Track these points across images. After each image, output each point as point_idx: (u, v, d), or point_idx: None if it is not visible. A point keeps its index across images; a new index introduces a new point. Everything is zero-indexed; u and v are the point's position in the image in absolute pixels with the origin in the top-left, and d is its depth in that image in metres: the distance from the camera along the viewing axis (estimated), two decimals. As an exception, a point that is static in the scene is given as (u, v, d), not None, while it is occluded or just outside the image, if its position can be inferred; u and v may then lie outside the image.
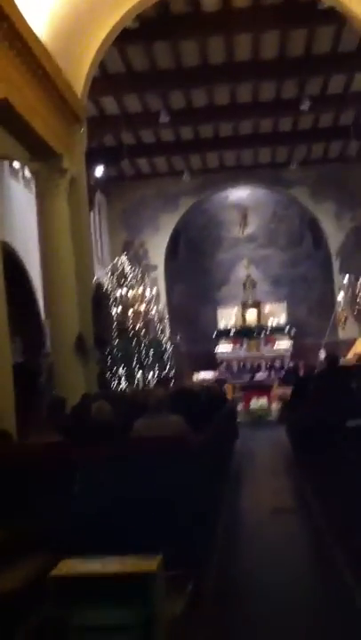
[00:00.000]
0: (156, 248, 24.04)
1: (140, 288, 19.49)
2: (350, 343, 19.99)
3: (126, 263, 20.41)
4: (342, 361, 18.74)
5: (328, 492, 6.68)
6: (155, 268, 23.85)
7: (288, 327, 24.44)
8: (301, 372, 20.22)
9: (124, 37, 12.92)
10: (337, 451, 5.77)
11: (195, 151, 21.83)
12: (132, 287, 19.37)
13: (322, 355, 21.18)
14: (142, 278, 20.41)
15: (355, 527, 5.05)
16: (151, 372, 18.86)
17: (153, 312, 19.95)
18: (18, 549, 3.92)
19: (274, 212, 26.02)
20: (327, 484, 6.76)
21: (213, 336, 24.60)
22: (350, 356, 18.61)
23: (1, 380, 8.50)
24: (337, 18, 12.97)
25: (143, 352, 18.77)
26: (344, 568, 5.10)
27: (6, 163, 13.61)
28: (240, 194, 25.76)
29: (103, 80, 14.96)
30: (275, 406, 19.43)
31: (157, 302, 21.37)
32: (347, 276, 22.59)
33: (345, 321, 22.08)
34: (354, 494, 5.08)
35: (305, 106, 17.48)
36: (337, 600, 4.59)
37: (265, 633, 4.15)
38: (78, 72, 12.03)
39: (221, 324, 24.93)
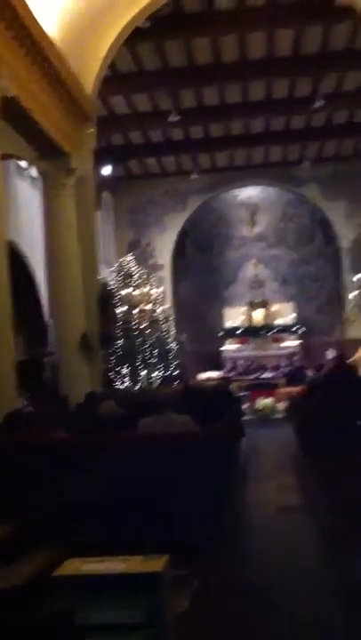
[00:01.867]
0: (163, 247, 24.05)
1: (146, 287, 19.50)
2: (359, 342, 19.94)
3: (132, 263, 20.41)
4: (350, 360, 18.75)
5: (335, 490, 6.66)
6: (161, 267, 23.85)
7: (296, 326, 24.41)
8: (309, 372, 20.21)
9: (135, 36, 12.90)
10: (346, 449, 5.76)
11: (204, 150, 21.81)
12: (137, 286, 19.38)
13: (330, 354, 21.14)
14: (148, 277, 20.40)
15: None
16: (156, 371, 18.86)
17: (159, 311, 19.95)
18: (23, 545, 3.93)
19: (284, 211, 25.97)
20: (334, 483, 6.74)
21: (220, 335, 24.60)
22: (358, 354, 18.56)
23: (4, 376, 8.52)
24: (352, 15, 12.83)
25: (148, 351, 18.78)
26: (349, 565, 5.08)
27: (12, 161, 13.63)
28: (250, 192, 25.74)
29: (113, 79, 14.96)
30: (281, 405, 19.39)
31: (163, 301, 21.36)
32: (357, 274, 22.51)
33: (354, 320, 22.01)
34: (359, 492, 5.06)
35: (319, 104, 17.42)
36: (341, 598, 4.58)
37: (268, 628, 4.15)
38: (89, 71, 12.05)
39: (228, 324, 24.92)
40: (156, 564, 3.02)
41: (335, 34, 14.85)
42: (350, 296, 22.31)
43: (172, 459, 4.42)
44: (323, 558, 5.79)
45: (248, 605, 4.59)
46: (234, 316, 25.11)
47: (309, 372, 20.15)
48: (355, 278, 22.20)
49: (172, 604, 3.29)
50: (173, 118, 17.63)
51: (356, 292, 21.03)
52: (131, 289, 19.09)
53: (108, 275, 19.60)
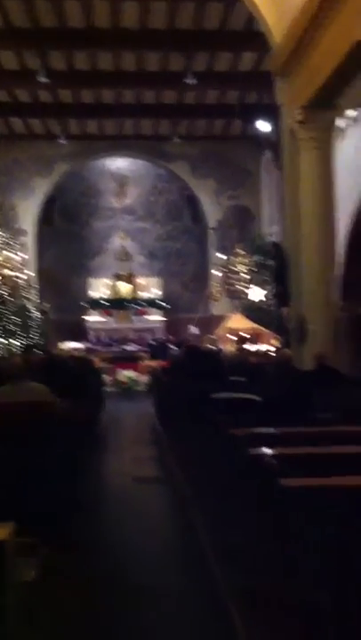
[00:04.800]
0: (28, 212, 23.34)
1: (9, 252, 18.79)
2: (222, 319, 20.46)
3: (-6, 226, 19.63)
4: (213, 336, 19.24)
5: (191, 461, 6.79)
6: (25, 232, 23.13)
7: (161, 301, 24.65)
8: (172, 346, 20.51)
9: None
10: (202, 421, 5.86)
11: (74, 116, 21.27)
12: (-2, 251, 18.65)
13: (192, 330, 21.55)
14: (10, 243, 19.64)
15: (215, 497, 5.15)
16: (17, 340, 18.38)
17: (22, 278, 19.33)
18: None
19: (154, 185, 25.96)
20: (191, 454, 6.87)
21: (84, 305, 24.37)
22: (221, 331, 19.05)
23: None
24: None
25: (9, 318, 18.22)
26: (202, 534, 5.21)
27: None
28: (120, 163, 25.49)
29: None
30: (143, 378, 19.58)
31: (26, 268, 20.74)
32: (222, 254, 22.99)
33: (218, 297, 22.51)
34: (215, 464, 5.18)
35: (190, 80, 17.34)
36: (194, 567, 4.69)
37: (119, 597, 4.17)
38: None
39: (93, 295, 24.74)
40: (0, 532, 2.92)
41: (209, 12, 14.83)
42: (214, 274, 22.80)
43: (26, 428, 4.29)
44: (173, 524, 5.91)
45: (96, 573, 4.59)
46: (99, 288, 24.97)
47: (172, 347, 20.48)
48: (219, 256, 22.68)
49: (20, 574, 3.21)
50: (42, 79, 17.00)
51: (218, 270, 21.49)
52: (-9, 253, 18.38)
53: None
